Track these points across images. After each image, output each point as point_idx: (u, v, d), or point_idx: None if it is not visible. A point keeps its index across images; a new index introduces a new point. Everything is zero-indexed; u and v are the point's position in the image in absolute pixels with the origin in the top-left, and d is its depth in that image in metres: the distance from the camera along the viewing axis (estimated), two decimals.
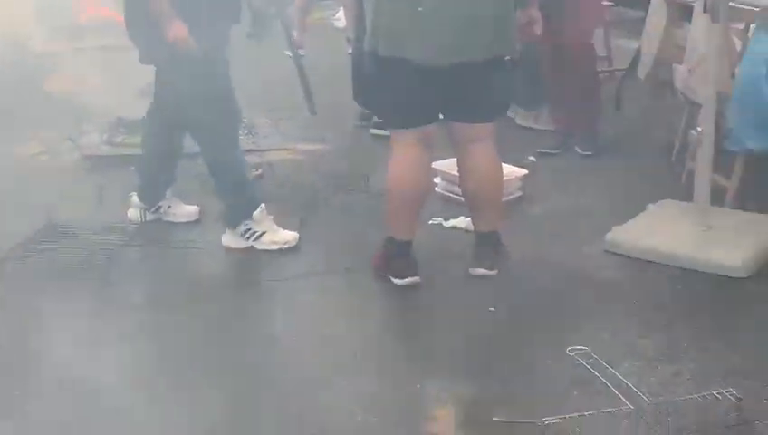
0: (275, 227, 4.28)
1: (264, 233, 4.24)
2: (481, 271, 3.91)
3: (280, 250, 4.21)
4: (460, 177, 3.98)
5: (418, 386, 3.18)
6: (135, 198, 4.54)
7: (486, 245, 3.93)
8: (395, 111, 3.82)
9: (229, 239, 4.28)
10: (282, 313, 3.88)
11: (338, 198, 4.83)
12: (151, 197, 4.51)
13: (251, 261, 4.22)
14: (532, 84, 5.72)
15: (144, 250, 4.31)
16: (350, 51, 7.40)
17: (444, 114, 3.84)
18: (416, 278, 3.87)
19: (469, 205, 4.02)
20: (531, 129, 5.76)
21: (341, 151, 5.39)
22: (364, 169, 4.99)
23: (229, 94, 4.18)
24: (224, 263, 4.26)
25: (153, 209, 4.53)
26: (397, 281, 3.86)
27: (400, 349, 3.50)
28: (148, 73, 4.29)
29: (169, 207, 4.52)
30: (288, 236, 4.27)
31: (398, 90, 3.70)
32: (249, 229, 4.23)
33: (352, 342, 3.50)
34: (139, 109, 4.82)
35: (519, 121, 5.81)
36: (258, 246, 4.24)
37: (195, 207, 4.56)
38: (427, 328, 3.62)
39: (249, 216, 4.23)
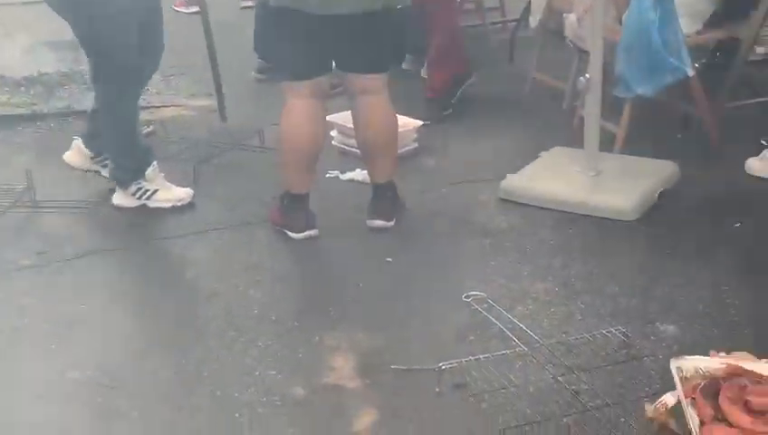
0: (168, 184, 4.21)
1: (156, 191, 4.16)
2: (378, 222, 3.93)
3: (173, 207, 4.15)
4: (355, 129, 3.97)
5: (317, 338, 3.19)
6: (79, 142, 4.37)
7: (383, 196, 3.95)
8: (287, 62, 3.77)
9: (120, 199, 4.19)
10: (176, 269, 3.84)
11: (232, 153, 4.76)
12: (97, 146, 4.33)
13: (143, 219, 4.14)
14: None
15: (31, 211, 4.19)
16: (246, 4, 7.32)
17: (336, 65, 3.82)
18: (313, 231, 3.87)
19: (364, 157, 4.02)
20: None
21: (236, 106, 5.31)
22: (259, 124, 4.92)
23: (129, 48, 3.99)
24: (115, 222, 4.17)
25: (98, 160, 4.36)
26: (294, 235, 3.85)
27: (299, 301, 3.50)
28: (33, 32, 4.15)
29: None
30: (181, 192, 4.21)
31: (290, 40, 3.65)
32: (141, 188, 4.15)
33: (249, 296, 3.48)
34: (22, 69, 4.70)
35: (422, 74, 5.79)
36: (151, 204, 4.16)
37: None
38: (325, 280, 3.63)
39: (141, 175, 4.15)
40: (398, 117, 4.07)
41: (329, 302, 3.44)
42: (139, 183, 4.14)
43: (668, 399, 2.21)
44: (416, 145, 4.77)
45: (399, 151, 4.18)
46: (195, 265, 3.81)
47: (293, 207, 3.87)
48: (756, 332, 3.01)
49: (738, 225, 3.87)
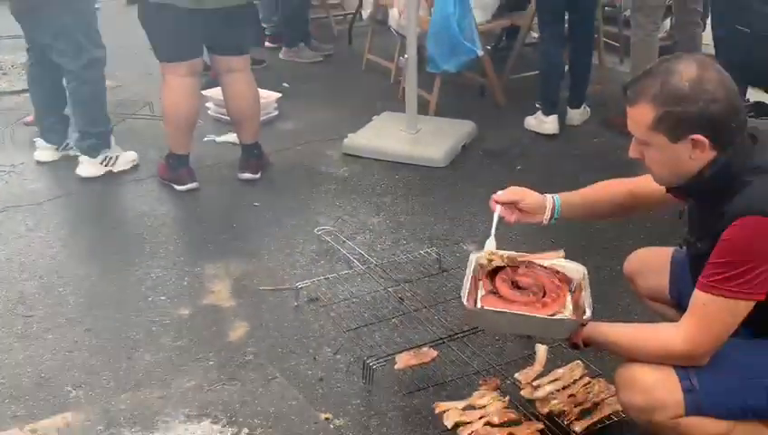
0: (119, 149, 3.95)
1: (117, 157, 3.90)
2: (247, 175, 3.83)
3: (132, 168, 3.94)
4: (225, 101, 3.83)
5: (199, 268, 3.09)
6: (41, 142, 3.98)
7: (250, 154, 3.84)
8: (166, 47, 3.58)
9: (88, 169, 3.84)
10: (87, 216, 3.63)
11: (128, 122, 4.53)
12: (56, 138, 3.98)
13: (61, 174, 3.90)
14: (288, 25, 5.60)
15: None
16: None
17: (207, 49, 3.67)
18: (194, 184, 3.73)
19: (234, 123, 3.89)
20: (293, 61, 5.62)
21: (129, 84, 5.04)
22: (150, 97, 4.70)
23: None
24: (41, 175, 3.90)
25: (62, 147, 4.01)
26: (178, 187, 3.71)
27: (184, 239, 3.37)
28: None
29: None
30: (132, 155, 3.98)
31: (168, 30, 3.47)
32: (107, 157, 3.87)
33: (143, 237, 3.34)
34: None
35: (281, 56, 5.66)
36: (115, 169, 3.88)
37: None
38: (205, 222, 3.50)
39: (109, 144, 3.88)
40: (262, 90, 3.97)
41: (208, 239, 3.33)
42: (106, 151, 3.86)
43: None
44: (276, 112, 4.64)
45: (262, 118, 4.05)
46: (102, 212, 3.64)
47: (177, 165, 3.71)
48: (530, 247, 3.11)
49: (519, 167, 3.97)
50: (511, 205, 2.10)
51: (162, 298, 2.89)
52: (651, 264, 2.21)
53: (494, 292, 1.98)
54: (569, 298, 1.98)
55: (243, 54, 3.66)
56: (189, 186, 3.71)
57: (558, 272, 2.04)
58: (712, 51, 4.36)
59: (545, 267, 2.04)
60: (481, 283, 2.01)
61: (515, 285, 1.99)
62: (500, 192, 2.13)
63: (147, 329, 2.72)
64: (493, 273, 2.04)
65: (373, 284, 2.91)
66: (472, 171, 3.94)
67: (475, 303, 1.95)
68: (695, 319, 1.75)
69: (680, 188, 1.83)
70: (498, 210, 2.09)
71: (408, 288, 2.86)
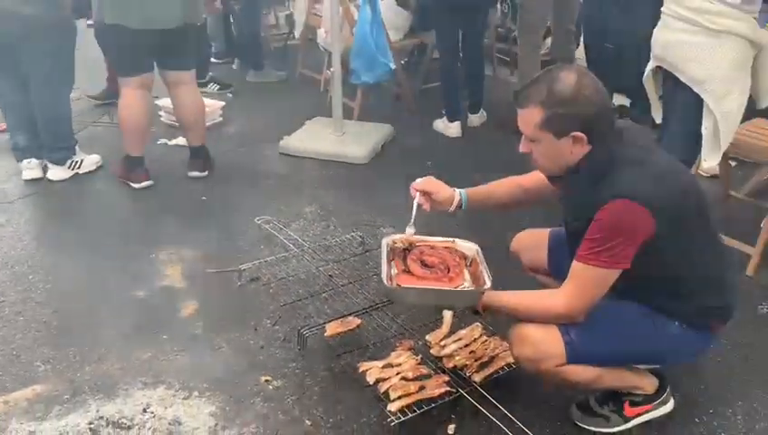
0: (83, 153, 3.76)
1: (82, 160, 3.71)
2: (195, 173, 3.73)
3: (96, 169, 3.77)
4: (174, 109, 3.71)
5: (153, 254, 3.00)
6: (34, 162, 3.64)
7: (198, 155, 3.75)
8: (121, 63, 3.45)
9: (57, 173, 3.64)
10: (55, 212, 3.47)
11: (89, 130, 4.34)
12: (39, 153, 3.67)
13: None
14: (250, 50, 5.41)
15: None
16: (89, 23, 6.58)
17: (157, 65, 3.54)
18: (149, 182, 3.61)
19: (182, 128, 3.78)
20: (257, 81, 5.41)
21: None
22: (109, 106, 4.52)
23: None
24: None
25: (42, 161, 3.70)
26: (135, 185, 3.58)
27: (140, 230, 3.25)
28: None
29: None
30: (95, 157, 3.80)
31: (120, 47, 3.35)
32: (73, 161, 3.67)
33: (106, 229, 3.22)
34: None
35: (249, 78, 5.38)
36: (81, 171, 3.69)
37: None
38: (159, 214, 3.39)
39: (74, 151, 3.70)
40: (208, 100, 3.89)
41: (162, 229, 3.23)
42: (72, 157, 3.68)
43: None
44: (221, 119, 4.53)
45: (209, 123, 3.97)
46: (68, 209, 3.47)
47: (133, 165, 3.59)
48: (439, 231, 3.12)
49: (429, 163, 3.98)
50: (426, 194, 2.10)
51: (122, 282, 2.80)
52: (532, 242, 2.25)
53: (407, 271, 1.98)
54: (466, 272, 1.99)
55: (188, 69, 3.55)
56: (144, 184, 3.59)
57: (456, 250, 2.05)
58: (584, 63, 4.48)
59: (446, 247, 2.05)
60: (394, 263, 2.01)
61: (424, 264, 1.99)
62: (419, 180, 2.13)
63: (108, 309, 2.63)
64: (404, 254, 2.03)
65: (306, 264, 2.88)
66: (390, 167, 3.93)
67: (392, 280, 1.94)
68: (572, 285, 1.80)
69: (561, 177, 1.87)
70: (417, 198, 2.09)
71: (336, 267, 2.84)
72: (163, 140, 4.19)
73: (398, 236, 2.07)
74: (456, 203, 2.11)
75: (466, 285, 1.96)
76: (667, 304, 1.86)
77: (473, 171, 3.39)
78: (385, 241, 2.06)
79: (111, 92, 4.50)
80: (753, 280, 2.82)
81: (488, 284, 1.92)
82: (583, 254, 1.77)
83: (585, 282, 1.78)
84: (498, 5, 5.01)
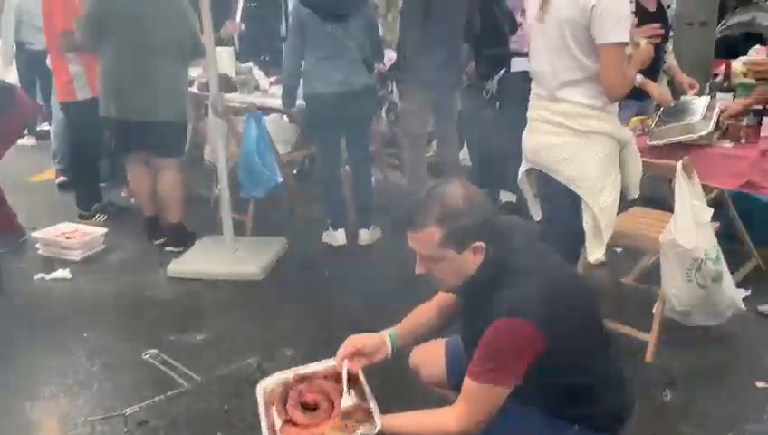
0: None
1: None
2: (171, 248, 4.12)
3: None
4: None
5: (29, 406, 2.72)
6: None
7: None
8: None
9: None
10: None
11: None
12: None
13: None
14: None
15: None
16: None
17: None
18: None
19: (160, 204, 4.23)
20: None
21: None
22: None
23: None
24: None
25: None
26: None
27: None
28: None
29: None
30: None
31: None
32: None
33: None
34: None
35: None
36: None
37: None
38: (35, 359, 3.12)
39: None
40: (88, 227, 3.89)
41: (38, 375, 2.96)
42: None
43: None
44: (104, 246, 4.30)
45: (90, 252, 3.77)
46: None
47: None
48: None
49: (327, 273, 3.94)
50: (355, 354, 2.00)
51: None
52: (429, 356, 2.22)
53: (289, 420, 1.85)
54: (352, 393, 1.90)
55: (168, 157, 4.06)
56: None
57: (334, 370, 1.96)
58: (468, 163, 4.67)
59: (326, 375, 1.96)
60: (275, 410, 1.88)
61: (305, 406, 1.88)
62: (341, 349, 1.99)
63: None
64: (284, 397, 1.92)
65: (198, 400, 2.72)
66: (286, 281, 3.86)
67: None
68: (464, 403, 1.78)
69: (458, 288, 1.86)
70: (345, 366, 1.96)
71: (235, 401, 2.69)
72: (40, 275, 3.94)
73: (270, 379, 1.96)
74: (389, 346, 2.05)
75: (350, 402, 1.86)
76: (566, 409, 1.86)
77: (371, 281, 3.40)
78: (259, 388, 1.94)
79: None
80: (652, 367, 2.89)
81: (373, 406, 1.84)
82: (473, 370, 1.77)
83: (476, 399, 1.77)
84: (384, 114, 5.17)
